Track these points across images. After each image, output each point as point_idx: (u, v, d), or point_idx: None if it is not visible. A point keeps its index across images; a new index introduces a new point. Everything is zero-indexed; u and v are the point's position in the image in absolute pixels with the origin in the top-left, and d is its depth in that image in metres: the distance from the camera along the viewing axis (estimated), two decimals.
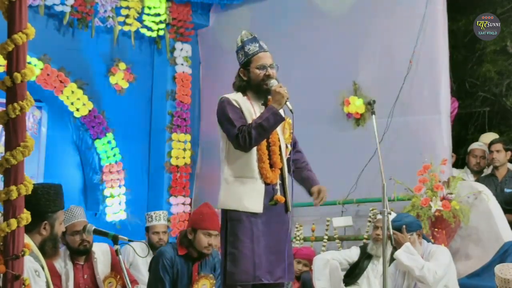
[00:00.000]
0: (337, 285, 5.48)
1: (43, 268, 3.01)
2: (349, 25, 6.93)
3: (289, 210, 3.84)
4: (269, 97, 3.77)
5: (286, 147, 3.88)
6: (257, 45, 3.80)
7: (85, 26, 7.57)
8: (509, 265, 4.27)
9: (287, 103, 3.68)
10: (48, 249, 3.13)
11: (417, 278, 4.49)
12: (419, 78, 6.34)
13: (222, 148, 3.83)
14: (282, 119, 3.70)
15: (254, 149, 3.72)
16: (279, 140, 3.81)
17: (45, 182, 3.31)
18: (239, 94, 3.83)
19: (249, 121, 3.69)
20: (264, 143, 3.74)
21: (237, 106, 3.76)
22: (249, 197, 3.68)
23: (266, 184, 3.72)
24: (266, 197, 3.72)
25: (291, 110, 3.70)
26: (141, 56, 8.11)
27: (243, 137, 3.62)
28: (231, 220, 3.70)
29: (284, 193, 3.82)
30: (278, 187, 3.76)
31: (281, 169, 3.81)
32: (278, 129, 3.79)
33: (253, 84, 3.79)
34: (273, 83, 3.73)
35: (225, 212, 3.75)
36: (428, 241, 4.91)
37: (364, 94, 6.64)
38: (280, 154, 3.80)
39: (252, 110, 3.77)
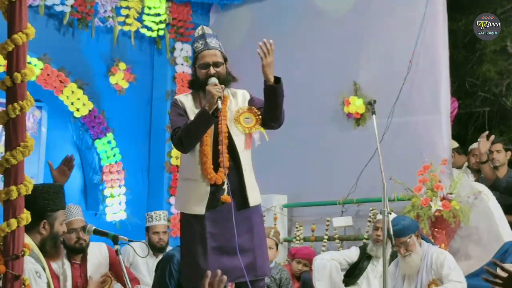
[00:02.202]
0: (337, 285, 5.48)
1: (44, 269, 3.00)
2: (349, 25, 6.93)
3: (249, 207, 3.69)
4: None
5: (250, 137, 3.75)
6: (203, 42, 3.70)
7: (85, 26, 7.57)
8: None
9: (218, 102, 3.51)
10: (48, 249, 3.13)
11: None
12: (419, 78, 6.34)
13: None
14: (210, 119, 3.53)
15: (197, 150, 3.64)
16: (227, 138, 3.67)
17: (47, 183, 3.32)
18: (190, 94, 3.79)
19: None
20: (208, 143, 3.64)
21: (181, 106, 3.72)
22: (192, 199, 3.65)
23: (213, 185, 3.64)
24: (212, 198, 3.64)
25: (219, 109, 3.52)
26: (141, 56, 8.11)
27: (176, 139, 3.59)
28: (182, 222, 3.73)
29: (241, 190, 3.68)
30: (225, 186, 3.63)
31: (234, 167, 3.66)
32: (233, 126, 3.67)
33: (199, 82, 3.71)
34: (211, 81, 3.59)
35: (180, 214, 3.78)
36: (428, 241, 4.90)
37: (364, 94, 6.65)
38: (230, 152, 3.65)
39: (198, 110, 3.67)
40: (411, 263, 4.68)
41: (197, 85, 3.74)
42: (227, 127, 3.69)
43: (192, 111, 3.69)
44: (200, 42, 3.71)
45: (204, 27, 3.82)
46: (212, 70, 3.65)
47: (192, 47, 3.79)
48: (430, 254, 4.68)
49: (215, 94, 3.50)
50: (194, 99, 3.76)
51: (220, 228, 3.63)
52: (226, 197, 3.62)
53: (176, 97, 3.82)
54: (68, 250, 4.59)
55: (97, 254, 4.74)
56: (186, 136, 3.56)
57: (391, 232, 4.54)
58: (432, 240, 5.14)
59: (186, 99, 3.76)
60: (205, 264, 3.56)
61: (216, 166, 3.64)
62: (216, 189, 3.64)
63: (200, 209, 3.62)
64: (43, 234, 3.11)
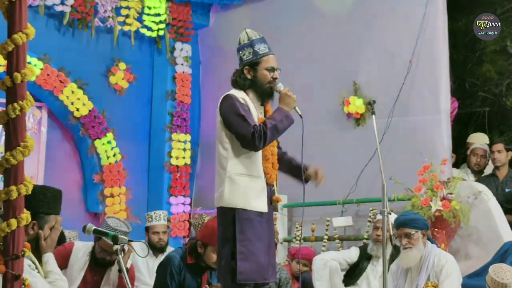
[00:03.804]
0: (336, 285, 5.47)
1: (36, 267, 3.00)
2: (349, 25, 6.93)
3: (277, 210, 3.91)
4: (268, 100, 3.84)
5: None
6: (267, 46, 3.81)
7: (85, 26, 7.57)
8: (503, 267, 4.24)
9: (296, 107, 3.72)
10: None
11: None
12: (419, 78, 6.34)
13: (223, 145, 3.73)
14: (293, 122, 3.72)
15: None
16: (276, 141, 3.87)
17: (46, 185, 3.28)
18: (243, 93, 3.77)
19: (254, 121, 3.68)
20: None
21: (244, 103, 3.71)
22: (257, 196, 3.67)
23: (267, 184, 3.74)
24: (267, 197, 3.74)
25: (300, 115, 3.72)
26: (141, 56, 8.11)
27: (259, 137, 3.58)
28: (240, 219, 3.64)
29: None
30: (275, 187, 3.78)
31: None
32: None
33: (258, 84, 3.77)
34: (280, 86, 3.75)
35: (230, 210, 3.67)
36: (433, 242, 4.86)
37: (364, 94, 6.65)
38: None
39: (254, 110, 3.76)
40: (410, 257, 4.66)
41: (253, 87, 3.78)
42: None
43: (254, 110, 3.74)
44: (263, 45, 3.79)
45: (254, 31, 3.87)
46: (277, 74, 3.78)
47: (251, 49, 3.77)
48: (433, 256, 4.66)
49: (295, 99, 3.71)
50: (248, 100, 3.77)
51: (270, 227, 3.76)
52: (278, 197, 3.79)
53: (233, 93, 3.75)
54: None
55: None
56: (273, 136, 3.65)
57: (391, 232, 4.54)
58: (436, 243, 5.12)
59: (244, 97, 3.76)
60: (264, 260, 3.66)
61: None
62: (267, 188, 3.75)
63: (264, 206, 3.70)
64: (29, 235, 3.03)
